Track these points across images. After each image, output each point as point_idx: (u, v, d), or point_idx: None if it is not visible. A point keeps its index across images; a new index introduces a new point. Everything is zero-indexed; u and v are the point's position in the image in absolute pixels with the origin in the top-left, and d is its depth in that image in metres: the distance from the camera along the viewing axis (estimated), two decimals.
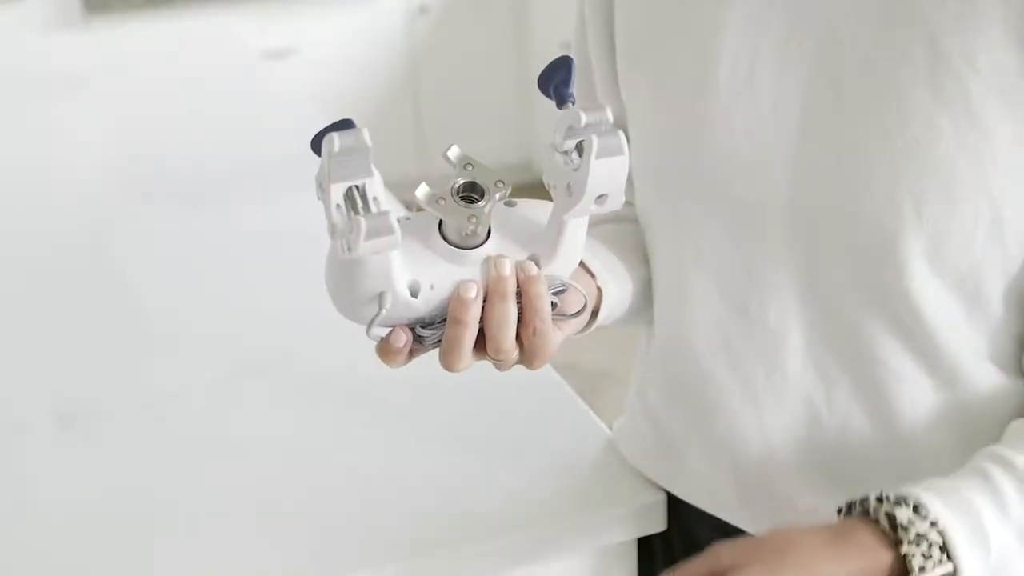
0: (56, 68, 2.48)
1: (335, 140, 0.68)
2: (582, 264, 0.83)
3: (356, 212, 0.69)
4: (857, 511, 0.76)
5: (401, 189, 0.71)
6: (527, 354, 0.77)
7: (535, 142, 4.12)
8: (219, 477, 1.09)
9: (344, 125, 0.69)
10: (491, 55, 4.11)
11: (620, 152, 0.71)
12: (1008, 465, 0.77)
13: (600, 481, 1.04)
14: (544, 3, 3.93)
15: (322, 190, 0.70)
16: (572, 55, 1.00)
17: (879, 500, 0.75)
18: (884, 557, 0.73)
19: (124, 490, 1.08)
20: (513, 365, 0.78)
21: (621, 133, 0.71)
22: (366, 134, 0.69)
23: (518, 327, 0.75)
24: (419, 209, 0.74)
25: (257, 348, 1.31)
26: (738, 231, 0.85)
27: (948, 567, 0.73)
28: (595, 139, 0.70)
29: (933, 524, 0.73)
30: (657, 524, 1.02)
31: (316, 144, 0.70)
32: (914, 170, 0.76)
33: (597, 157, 0.70)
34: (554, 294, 0.77)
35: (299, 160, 2.08)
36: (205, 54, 2.63)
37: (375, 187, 0.69)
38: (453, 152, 0.74)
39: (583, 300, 0.81)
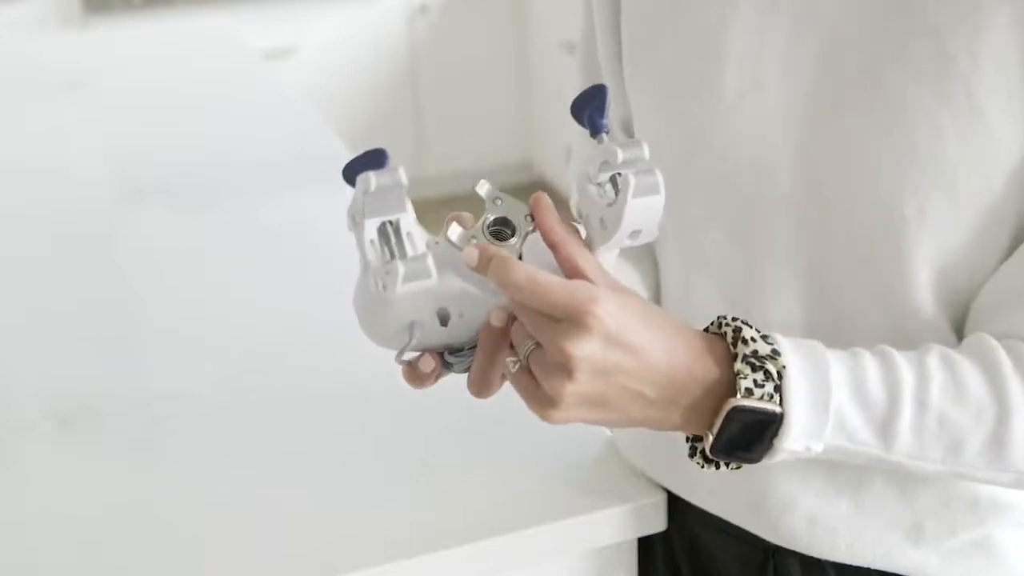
0: (56, 68, 2.48)
1: (371, 180, 0.68)
2: None
3: (390, 249, 0.69)
4: (713, 326, 0.76)
5: None
6: None
7: (535, 142, 4.12)
8: (219, 477, 1.09)
9: (377, 155, 0.69)
10: (491, 55, 4.12)
11: (656, 191, 0.71)
12: (882, 353, 0.76)
13: (600, 481, 1.04)
14: (544, 3, 3.93)
15: (355, 223, 0.70)
16: (578, 53, 1.01)
17: (735, 319, 0.75)
18: (714, 371, 0.73)
19: (124, 490, 1.08)
20: None
21: (658, 172, 0.71)
22: (402, 173, 0.69)
23: None
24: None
25: (258, 347, 1.31)
26: (741, 232, 0.85)
27: (775, 407, 0.72)
28: (632, 178, 0.70)
29: (775, 354, 0.73)
30: (657, 524, 1.02)
31: (348, 174, 0.70)
32: (917, 171, 0.76)
33: (634, 196, 0.70)
34: None
35: (299, 160, 2.09)
36: (205, 54, 2.63)
37: (408, 222, 0.70)
38: (483, 187, 0.74)
39: None
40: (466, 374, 0.77)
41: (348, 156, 0.71)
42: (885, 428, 0.74)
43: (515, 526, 0.99)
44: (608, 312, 0.70)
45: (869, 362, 0.75)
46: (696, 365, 0.73)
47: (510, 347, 0.74)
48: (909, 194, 0.76)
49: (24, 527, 1.04)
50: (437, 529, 0.99)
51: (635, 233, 0.72)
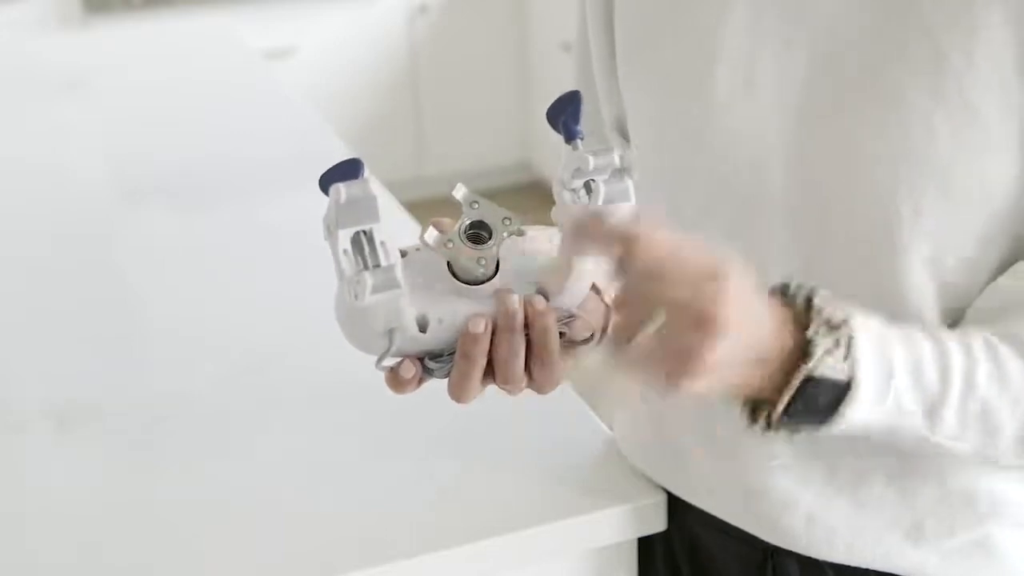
0: (56, 68, 2.48)
1: (342, 191, 0.69)
2: None
3: (363, 258, 0.70)
4: (778, 292, 0.75)
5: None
6: (536, 383, 0.77)
7: (535, 142, 4.12)
8: (219, 477, 1.09)
9: (352, 165, 0.70)
10: (491, 55, 4.12)
11: (627, 199, 0.71)
12: (933, 335, 0.75)
13: (600, 481, 1.04)
14: (544, 3, 3.93)
15: (330, 233, 0.70)
16: (574, 52, 1.01)
17: (801, 286, 0.74)
18: (789, 339, 0.72)
19: (124, 490, 1.08)
20: (522, 391, 0.79)
21: (628, 179, 0.71)
22: (372, 183, 0.70)
23: (526, 358, 0.75)
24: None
25: (258, 347, 1.31)
26: (737, 231, 0.85)
27: (845, 376, 0.72)
28: (602, 186, 0.71)
29: (845, 321, 0.72)
30: (657, 524, 1.02)
31: (324, 183, 0.70)
32: (913, 169, 0.76)
33: (604, 203, 0.71)
34: (563, 324, 0.77)
35: (299, 160, 2.09)
36: (205, 54, 2.63)
37: (382, 231, 0.70)
38: (459, 191, 0.74)
39: (591, 329, 0.81)
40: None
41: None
42: (934, 410, 0.74)
43: (515, 526, 0.99)
44: (739, 273, 0.69)
45: (923, 342, 0.75)
46: (779, 330, 0.72)
47: (489, 355, 0.74)
48: (905, 193, 0.76)
49: (24, 527, 1.04)
50: (437, 529, 0.99)
51: None
